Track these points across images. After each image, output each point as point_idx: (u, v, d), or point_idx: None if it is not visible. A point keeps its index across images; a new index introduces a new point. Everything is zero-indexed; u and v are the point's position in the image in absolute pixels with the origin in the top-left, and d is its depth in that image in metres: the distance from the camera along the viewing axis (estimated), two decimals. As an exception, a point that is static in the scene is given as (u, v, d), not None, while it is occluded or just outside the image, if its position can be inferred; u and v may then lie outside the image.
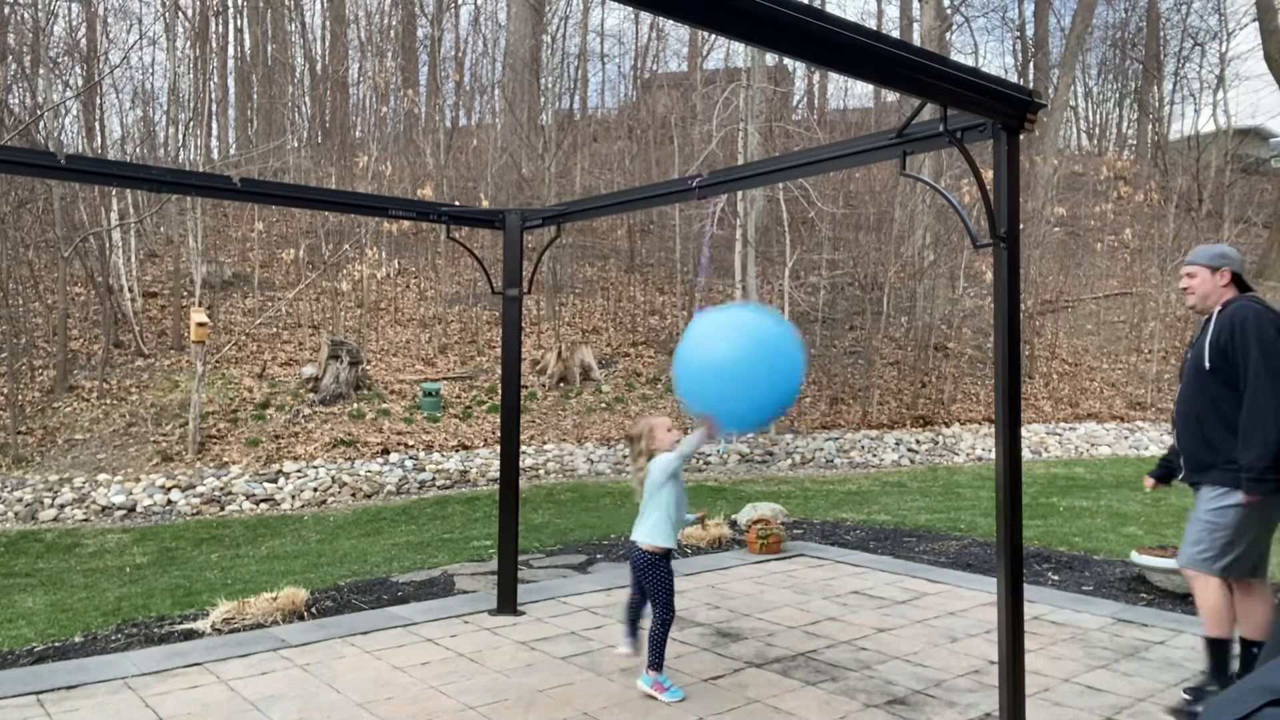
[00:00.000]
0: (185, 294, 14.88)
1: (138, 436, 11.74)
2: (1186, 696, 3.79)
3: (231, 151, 22.28)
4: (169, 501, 10.37)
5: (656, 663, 3.89)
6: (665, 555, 3.92)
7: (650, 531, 3.88)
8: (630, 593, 4.18)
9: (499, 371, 13.34)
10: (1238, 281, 3.88)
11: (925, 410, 15.70)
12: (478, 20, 27.03)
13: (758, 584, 5.91)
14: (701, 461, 13.19)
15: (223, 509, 10.32)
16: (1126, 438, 15.29)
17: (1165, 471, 4.22)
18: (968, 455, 14.17)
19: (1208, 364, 3.76)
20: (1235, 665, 3.76)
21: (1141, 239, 21.42)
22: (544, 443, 13.00)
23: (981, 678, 4.11)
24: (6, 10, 16.23)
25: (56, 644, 4.82)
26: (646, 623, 4.01)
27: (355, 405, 13.17)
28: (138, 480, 10.69)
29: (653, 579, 3.90)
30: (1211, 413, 3.76)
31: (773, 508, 7.74)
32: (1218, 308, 3.82)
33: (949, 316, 17.79)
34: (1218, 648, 3.75)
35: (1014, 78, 28.98)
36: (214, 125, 21.91)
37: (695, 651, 4.52)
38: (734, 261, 16.60)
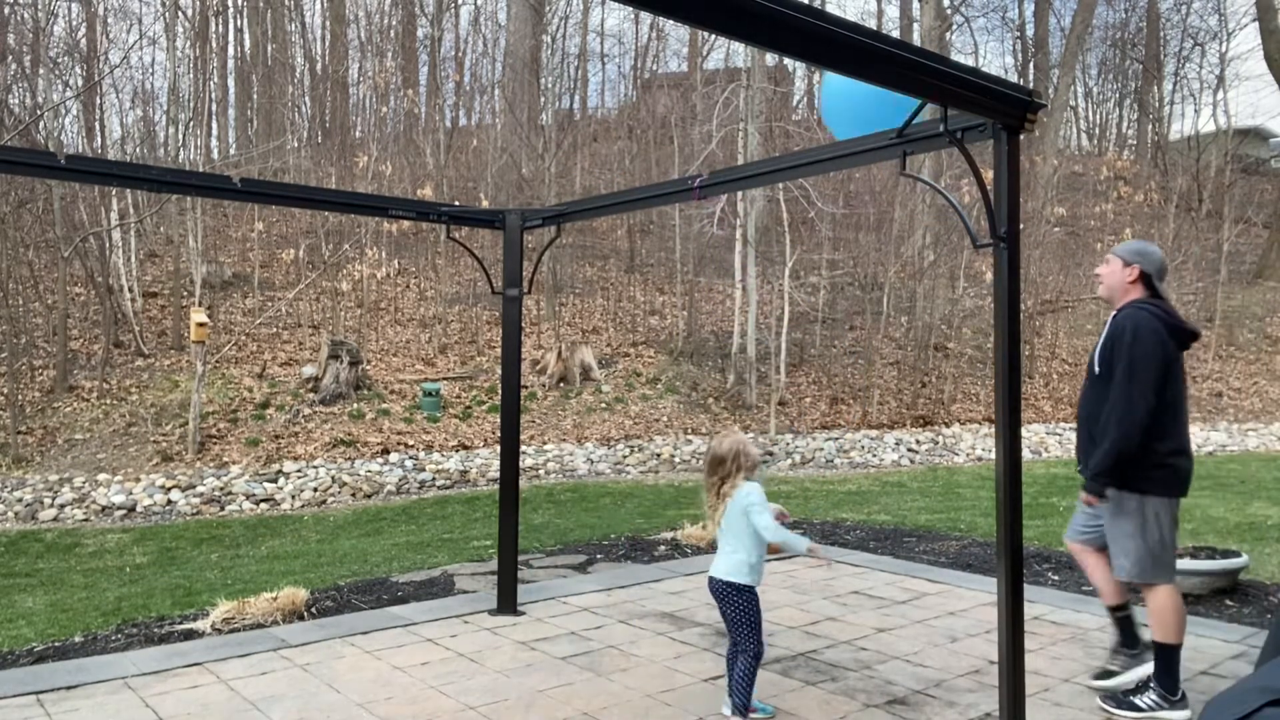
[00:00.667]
0: (185, 294, 14.88)
1: (138, 436, 11.74)
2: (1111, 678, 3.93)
3: (231, 151, 22.29)
4: (169, 501, 10.37)
5: (743, 706, 3.49)
6: (749, 588, 3.53)
7: (732, 569, 3.50)
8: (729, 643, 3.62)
9: (499, 371, 13.35)
10: (1147, 283, 3.87)
11: (925, 410, 15.70)
12: (478, 20, 27.05)
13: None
14: (702, 462, 13.17)
15: (223, 509, 10.32)
16: (1126, 438, 15.29)
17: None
18: (968, 455, 14.17)
19: (1096, 368, 3.83)
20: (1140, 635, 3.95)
21: (1142, 239, 21.39)
22: (544, 443, 13.00)
23: (981, 678, 4.11)
24: (6, 10, 16.23)
25: (56, 644, 4.82)
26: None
27: (355, 405, 13.17)
28: (138, 480, 10.69)
29: (743, 612, 3.49)
30: (1094, 416, 3.79)
31: (773, 508, 7.74)
32: (1114, 311, 3.86)
33: (949, 316, 17.79)
34: (1167, 652, 3.76)
35: (1014, 78, 28.99)
36: (214, 125, 21.92)
37: (695, 651, 4.52)
38: (734, 261, 16.60)
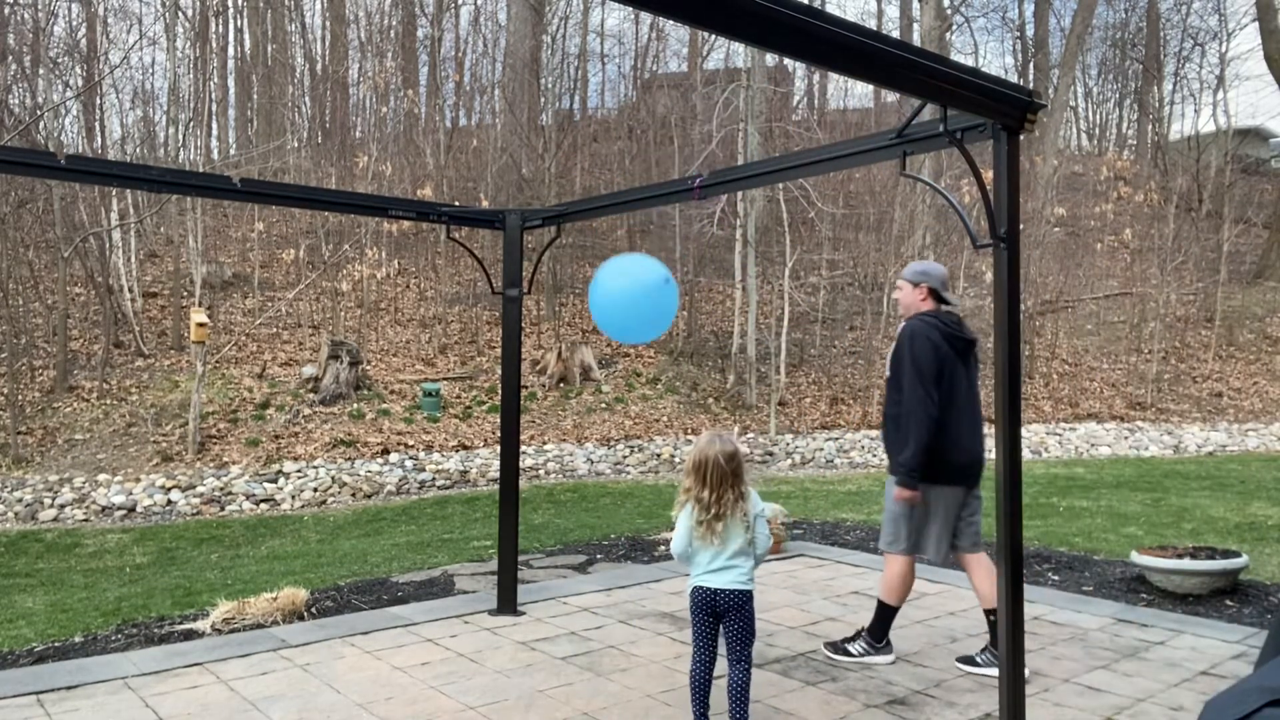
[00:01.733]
0: (185, 294, 14.88)
1: (138, 436, 11.75)
2: (844, 645, 4.41)
3: (231, 151, 22.29)
4: (169, 501, 10.37)
5: (745, 717, 3.37)
6: (753, 594, 3.43)
7: (741, 578, 3.34)
8: (694, 663, 3.40)
9: (499, 371, 13.35)
10: (936, 297, 4.34)
11: (925, 410, 15.69)
12: (478, 20, 27.02)
13: (758, 584, 5.91)
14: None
15: (223, 509, 10.32)
16: (1126, 438, 15.30)
17: None
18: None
19: (888, 372, 4.34)
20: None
21: (1141, 239, 21.42)
22: (544, 443, 13.00)
23: (981, 678, 4.11)
24: (6, 10, 16.23)
25: (56, 644, 4.82)
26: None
27: (355, 405, 13.17)
28: (138, 480, 10.69)
29: (750, 620, 3.35)
30: (891, 416, 4.28)
31: (773, 508, 7.73)
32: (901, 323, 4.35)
33: (949, 316, 17.77)
34: (886, 611, 4.35)
35: (1014, 78, 28.99)
36: (214, 125, 21.92)
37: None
38: (734, 261, 16.60)
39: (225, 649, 4.54)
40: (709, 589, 3.33)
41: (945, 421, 4.14)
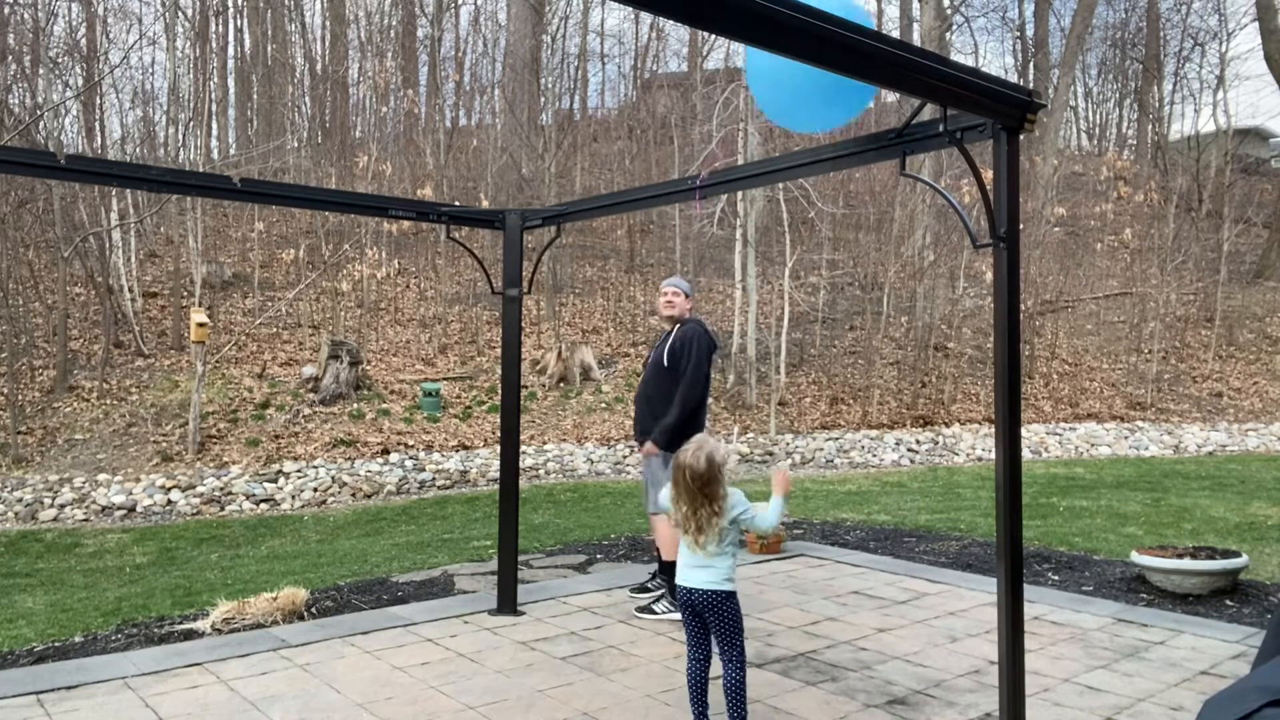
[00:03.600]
0: (185, 294, 14.88)
1: (138, 436, 11.75)
2: (640, 598, 5.41)
3: (231, 151, 22.29)
4: (169, 501, 10.37)
5: (743, 717, 3.37)
6: (735, 594, 3.43)
7: (717, 578, 3.34)
8: (689, 661, 3.45)
9: (499, 371, 13.35)
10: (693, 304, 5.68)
11: (925, 410, 15.70)
12: (478, 20, 27.05)
13: (758, 584, 5.91)
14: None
15: (223, 509, 10.32)
16: (1126, 438, 15.30)
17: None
18: (968, 455, 14.17)
19: (665, 362, 5.31)
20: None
21: (1141, 239, 21.42)
22: (544, 443, 13.00)
23: (981, 678, 4.11)
24: (6, 10, 16.23)
25: (56, 644, 4.82)
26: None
27: (355, 405, 13.17)
28: (138, 480, 10.69)
29: (732, 618, 3.35)
30: (660, 395, 5.30)
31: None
32: (679, 323, 5.41)
33: (949, 316, 17.79)
34: (668, 566, 5.12)
35: (1014, 78, 28.98)
36: (214, 125, 21.93)
37: (695, 651, 4.52)
38: (734, 261, 16.60)
39: (225, 649, 4.54)
40: (686, 588, 3.37)
41: (705, 400, 5.38)
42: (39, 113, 14.95)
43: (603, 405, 14.49)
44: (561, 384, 14.99)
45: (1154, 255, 19.45)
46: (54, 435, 11.69)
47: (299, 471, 11.19)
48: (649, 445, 5.25)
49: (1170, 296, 19.00)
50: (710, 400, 5.59)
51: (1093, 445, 14.86)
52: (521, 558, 6.33)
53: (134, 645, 4.69)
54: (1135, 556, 5.70)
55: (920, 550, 6.99)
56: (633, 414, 5.63)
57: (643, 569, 6.38)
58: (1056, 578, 6.07)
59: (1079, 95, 33.13)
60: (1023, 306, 12.81)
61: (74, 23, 18.62)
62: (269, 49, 23.85)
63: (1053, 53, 29.32)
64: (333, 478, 11.14)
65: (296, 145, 20.27)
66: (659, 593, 5.31)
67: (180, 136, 17.05)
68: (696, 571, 3.34)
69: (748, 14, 2.39)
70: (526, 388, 14.34)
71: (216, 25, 22.78)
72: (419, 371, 14.87)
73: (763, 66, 3.40)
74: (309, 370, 13.61)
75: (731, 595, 3.36)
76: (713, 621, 3.37)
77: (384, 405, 13.38)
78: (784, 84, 3.38)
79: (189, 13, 19.77)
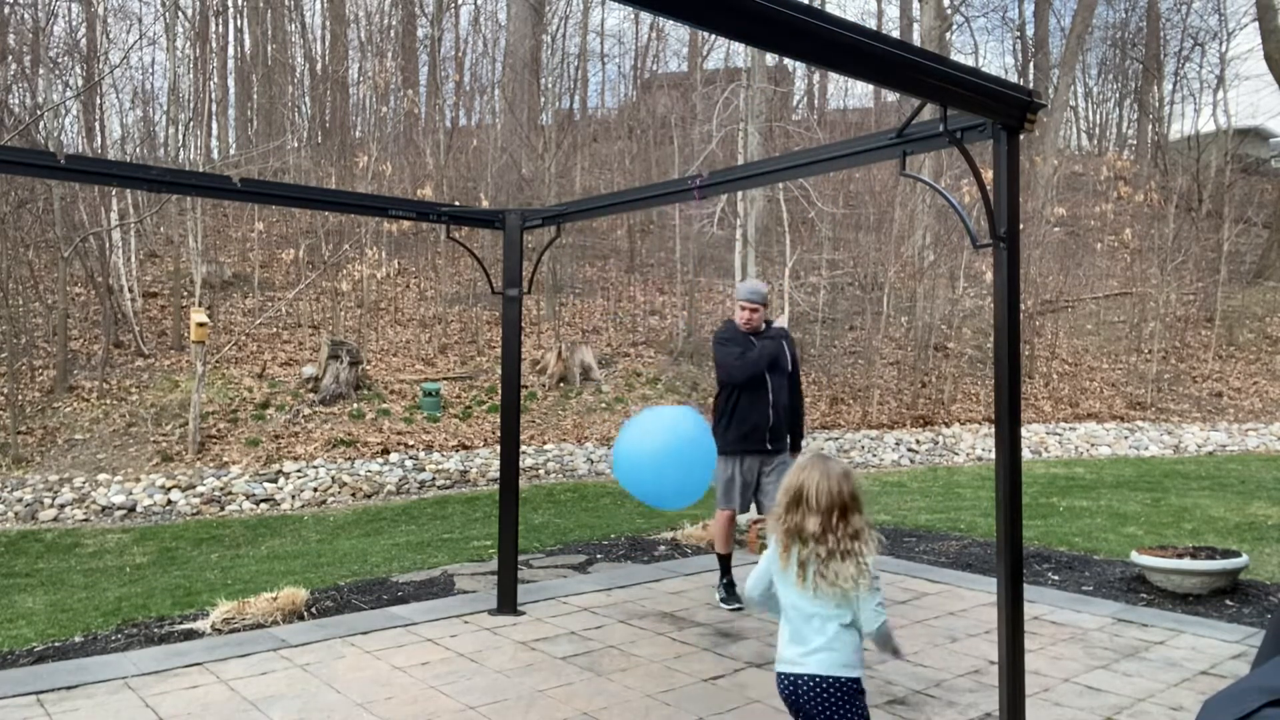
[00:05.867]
0: (185, 294, 14.88)
1: (138, 436, 11.75)
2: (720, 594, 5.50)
3: (231, 151, 22.28)
4: (169, 501, 10.37)
5: None
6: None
7: (849, 660, 2.45)
8: None
9: (499, 371, 13.34)
10: None
11: (925, 410, 15.70)
12: (478, 20, 27.04)
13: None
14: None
15: (223, 509, 10.32)
16: (1126, 438, 15.29)
17: None
18: (968, 455, 14.17)
19: (789, 367, 5.48)
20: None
21: (1141, 239, 21.42)
22: (544, 443, 13.00)
23: (981, 678, 4.11)
24: (6, 10, 16.23)
25: (56, 644, 4.82)
26: None
27: (355, 405, 13.17)
28: (138, 480, 10.69)
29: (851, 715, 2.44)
30: (791, 403, 5.52)
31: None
32: (772, 325, 5.49)
33: (949, 316, 17.79)
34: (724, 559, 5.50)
35: (1014, 78, 28.98)
36: (214, 125, 21.90)
37: (695, 651, 4.52)
38: (734, 261, 16.60)
39: (225, 649, 4.54)
40: (809, 675, 2.45)
41: None
42: (39, 113, 14.95)
43: (603, 405, 14.49)
44: (561, 384, 14.99)
45: (1154, 255, 19.44)
46: (54, 435, 11.69)
47: (299, 471, 11.19)
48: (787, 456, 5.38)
49: (1170, 296, 18.99)
50: None
51: (1093, 445, 14.86)
52: (521, 558, 6.33)
53: (134, 645, 4.69)
54: (1135, 556, 5.70)
55: (920, 550, 6.99)
56: (754, 423, 5.32)
57: (643, 568, 6.38)
58: (1056, 578, 6.06)
59: (1079, 95, 33.14)
60: (1023, 306, 12.80)
61: (74, 23, 18.63)
62: (269, 49, 23.84)
63: (1053, 53, 29.33)
64: (333, 478, 11.14)
65: (296, 145, 20.27)
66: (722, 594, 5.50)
67: (180, 136, 17.04)
68: (811, 651, 2.43)
69: (748, 14, 2.39)
70: (526, 388, 14.34)
71: (216, 25, 22.78)
72: (419, 371, 14.87)
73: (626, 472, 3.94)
74: (309, 370, 13.61)
75: (852, 687, 2.42)
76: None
77: (384, 405, 13.38)
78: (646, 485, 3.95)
79: (189, 13, 19.77)
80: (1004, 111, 3.05)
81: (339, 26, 23.50)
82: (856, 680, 2.44)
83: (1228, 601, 5.32)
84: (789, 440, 5.52)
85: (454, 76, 24.47)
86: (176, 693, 3.96)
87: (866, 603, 2.44)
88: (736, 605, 5.30)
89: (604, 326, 17.65)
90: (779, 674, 2.51)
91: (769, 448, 5.32)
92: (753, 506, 5.65)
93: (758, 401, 5.28)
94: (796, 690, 2.45)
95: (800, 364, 5.53)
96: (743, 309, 5.38)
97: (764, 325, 5.44)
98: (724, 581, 5.48)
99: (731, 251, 16.97)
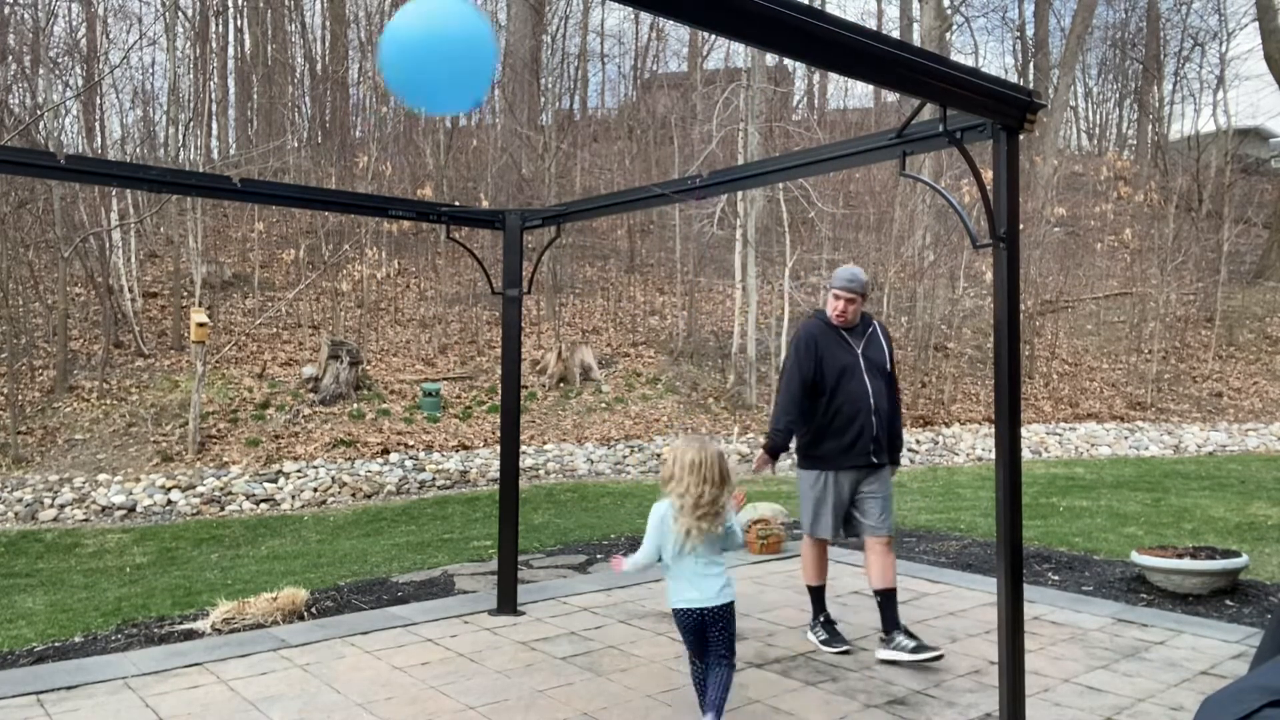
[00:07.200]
0: (185, 294, 14.88)
1: (138, 436, 11.75)
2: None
3: (231, 151, 22.28)
4: (169, 501, 10.37)
5: (721, 710, 3.42)
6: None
7: (725, 590, 3.36)
8: (695, 664, 3.47)
9: (499, 371, 13.34)
10: None
11: (925, 410, 15.70)
12: (478, 20, 27.01)
13: (758, 584, 5.92)
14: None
15: (223, 509, 10.32)
16: (1126, 438, 15.29)
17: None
18: (968, 455, 14.17)
19: (888, 366, 4.67)
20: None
21: (1141, 239, 21.42)
22: (544, 443, 13.00)
23: (981, 678, 4.11)
24: (6, 10, 16.23)
25: (56, 644, 4.82)
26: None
27: (355, 405, 13.17)
28: (138, 480, 10.69)
29: (728, 627, 3.38)
30: (891, 406, 4.68)
31: (773, 508, 7.74)
32: (865, 319, 4.70)
33: (949, 316, 17.79)
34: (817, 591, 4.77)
35: (1014, 78, 28.98)
36: (214, 125, 21.90)
37: (695, 651, 4.52)
38: (734, 261, 16.60)
39: (225, 649, 4.54)
40: (697, 608, 3.32)
41: None
42: (39, 113, 14.95)
43: (603, 405, 14.49)
44: (561, 384, 14.99)
45: (1154, 255, 19.45)
46: (54, 435, 11.69)
47: (299, 471, 11.19)
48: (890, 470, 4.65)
49: (1170, 296, 18.99)
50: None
51: (1093, 445, 14.86)
52: (521, 558, 6.33)
53: (134, 645, 4.69)
54: (1135, 556, 5.70)
55: (920, 550, 6.99)
56: (854, 431, 4.50)
57: (643, 569, 6.37)
58: (1056, 578, 6.06)
59: (1079, 95, 33.17)
60: (1023, 306, 12.81)
61: (74, 23, 18.63)
62: (269, 49, 23.84)
63: (1053, 53, 29.34)
64: (333, 478, 11.14)
65: (296, 145, 20.27)
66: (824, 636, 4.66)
67: (180, 136, 17.04)
68: (697, 587, 3.31)
69: (748, 14, 2.39)
70: (526, 388, 14.34)
71: (216, 25, 22.77)
72: (419, 371, 14.87)
73: (391, 55, 2.94)
74: (309, 370, 13.61)
75: (729, 608, 3.36)
76: (714, 636, 3.35)
77: (384, 405, 13.38)
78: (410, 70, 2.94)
79: (189, 13, 19.77)
80: (1004, 112, 3.05)
81: (339, 26, 23.51)
82: (734, 602, 3.38)
83: (1228, 602, 5.32)
84: (892, 450, 4.69)
85: (454, 76, 24.42)
86: (176, 693, 3.96)
87: (732, 535, 3.38)
88: (843, 648, 4.48)
89: (604, 326, 17.65)
90: (684, 609, 3.33)
91: (874, 461, 4.52)
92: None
93: (859, 408, 4.48)
94: (703, 618, 3.32)
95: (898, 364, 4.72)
96: (836, 297, 4.57)
97: (859, 320, 4.66)
98: (820, 620, 4.67)
99: (731, 251, 16.97)
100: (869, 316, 4.72)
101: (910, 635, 4.32)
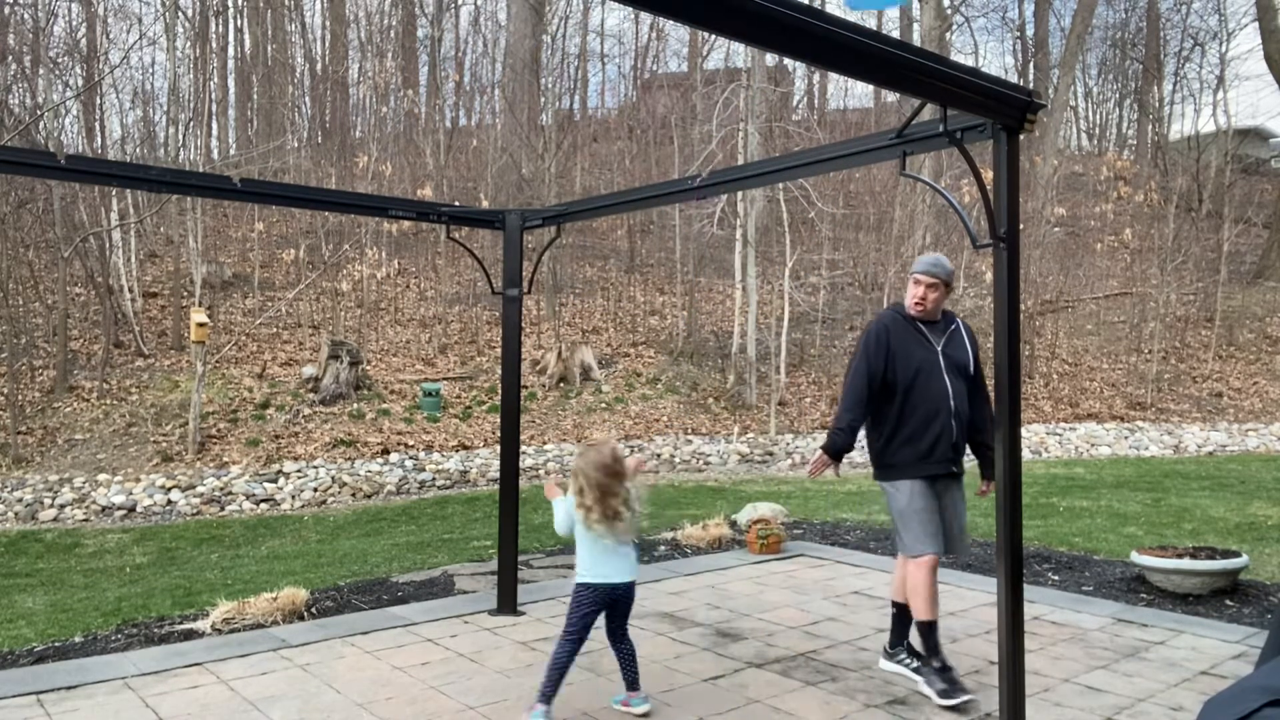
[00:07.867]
0: (185, 294, 14.88)
1: (138, 436, 11.74)
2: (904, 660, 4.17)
3: (231, 151, 22.28)
4: (169, 501, 10.37)
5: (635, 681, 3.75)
6: None
7: (635, 567, 3.70)
8: (576, 646, 3.62)
9: (499, 371, 13.34)
10: None
11: (925, 410, 15.69)
12: (478, 20, 27.07)
13: (758, 584, 5.91)
14: (701, 462, 13.19)
15: (223, 509, 10.32)
16: (1126, 438, 15.29)
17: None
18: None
19: (971, 369, 4.15)
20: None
21: (1141, 239, 21.42)
22: (544, 443, 13.00)
23: (981, 678, 4.11)
24: (6, 10, 16.23)
25: (56, 644, 4.82)
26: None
27: (355, 405, 13.17)
28: (138, 480, 10.69)
29: (631, 600, 3.75)
30: (973, 411, 4.19)
31: (773, 508, 7.74)
32: (946, 315, 4.20)
33: (949, 317, 17.78)
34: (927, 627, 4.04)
35: (1014, 78, 28.99)
36: (214, 125, 21.91)
37: (695, 651, 4.52)
38: (734, 261, 16.60)
39: (225, 649, 4.54)
40: (618, 583, 3.61)
41: None
42: (39, 113, 14.95)
43: (603, 405, 14.49)
44: (561, 384, 14.99)
45: (1154, 255, 19.45)
46: (54, 435, 11.69)
47: (299, 471, 11.19)
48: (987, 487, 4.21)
49: (1170, 296, 18.99)
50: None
51: (1093, 445, 14.86)
52: (521, 558, 6.33)
53: (134, 645, 4.69)
54: (1135, 556, 5.70)
55: (920, 550, 6.98)
56: (931, 436, 4.01)
57: (643, 568, 6.37)
58: (1056, 578, 6.06)
59: (1079, 95, 33.15)
60: (1023, 306, 12.80)
61: (74, 23, 18.63)
62: (269, 49, 23.85)
63: (1053, 53, 29.35)
64: (333, 478, 11.14)
65: (296, 145, 20.27)
66: (915, 664, 4.09)
67: (180, 136, 17.04)
68: (617, 566, 3.59)
69: (748, 14, 2.39)
70: (526, 388, 14.34)
71: (216, 25, 22.78)
72: (419, 371, 14.87)
73: None
74: (309, 370, 13.61)
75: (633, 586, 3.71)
76: (624, 610, 3.70)
77: (384, 405, 13.37)
78: None
79: (189, 13, 19.77)
80: (1004, 112, 3.05)
81: (339, 26, 23.52)
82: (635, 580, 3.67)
83: (1228, 602, 5.32)
84: (983, 462, 4.23)
85: (454, 76, 24.49)
86: (176, 693, 3.96)
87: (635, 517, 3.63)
88: (966, 697, 3.74)
89: (604, 326, 17.66)
90: (599, 585, 3.57)
91: (953, 469, 4.06)
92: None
93: (938, 409, 3.99)
94: (614, 593, 3.59)
95: (983, 365, 4.09)
96: (917, 282, 4.05)
97: (940, 313, 4.14)
98: (936, 666, 3.88)
99: (731, 251, 16.97)
100: (951, 314, 4.22)
101: (945, 670, 3.86)
